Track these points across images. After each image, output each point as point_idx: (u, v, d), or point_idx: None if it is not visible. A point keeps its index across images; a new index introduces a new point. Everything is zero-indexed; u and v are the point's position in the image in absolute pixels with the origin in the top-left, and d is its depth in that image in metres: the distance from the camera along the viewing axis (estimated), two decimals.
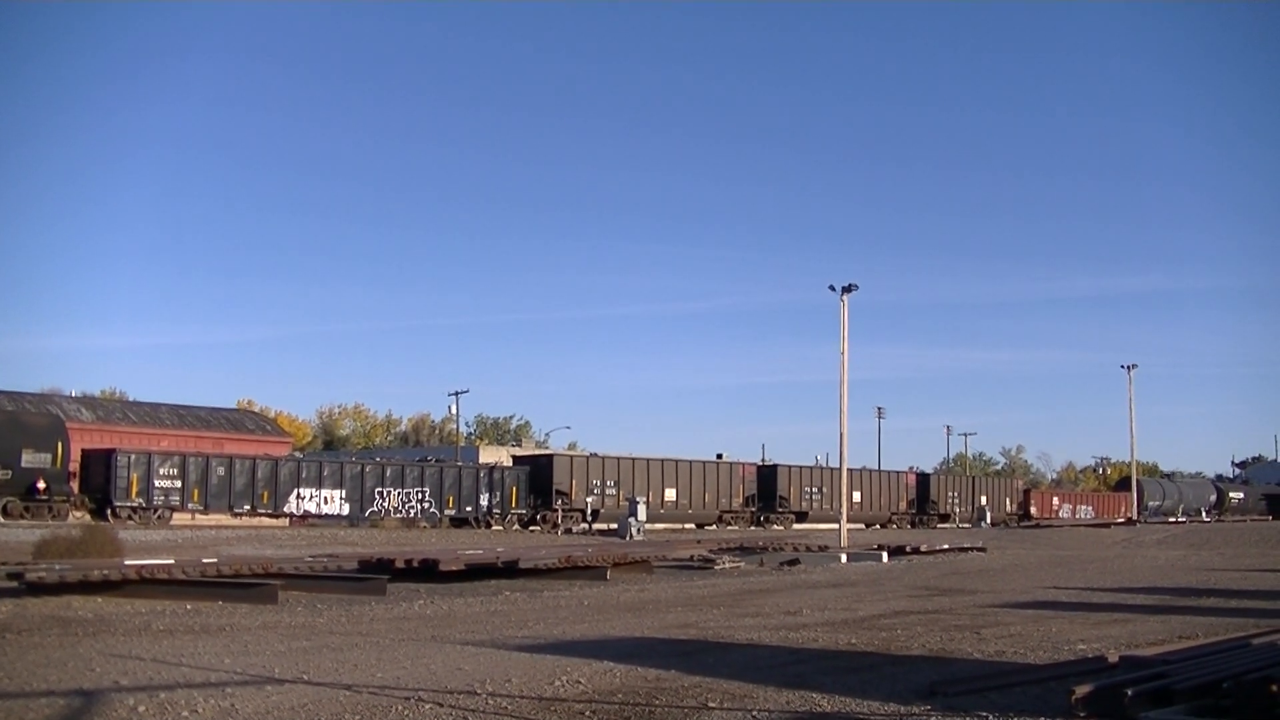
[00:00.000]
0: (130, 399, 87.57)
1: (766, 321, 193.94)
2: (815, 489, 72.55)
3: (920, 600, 24.87)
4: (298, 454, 73.25)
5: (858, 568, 37.19)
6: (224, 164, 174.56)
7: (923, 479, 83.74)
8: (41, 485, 44.07)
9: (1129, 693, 10.27)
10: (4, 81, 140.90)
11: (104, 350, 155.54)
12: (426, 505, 55.60)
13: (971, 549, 46.62)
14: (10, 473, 43.52)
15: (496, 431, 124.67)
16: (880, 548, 43.50)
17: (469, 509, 57.02)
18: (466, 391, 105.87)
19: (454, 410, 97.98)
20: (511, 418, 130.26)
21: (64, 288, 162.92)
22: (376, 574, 25.78)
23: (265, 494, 50.09)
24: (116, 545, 28.98)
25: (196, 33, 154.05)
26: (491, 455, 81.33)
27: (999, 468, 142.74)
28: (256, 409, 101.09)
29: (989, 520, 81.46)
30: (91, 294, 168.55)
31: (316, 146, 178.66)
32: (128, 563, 23.60)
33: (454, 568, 27.43)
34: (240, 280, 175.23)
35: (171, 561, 24.69)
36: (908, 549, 44.15)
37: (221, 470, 49.17)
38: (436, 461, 60.98)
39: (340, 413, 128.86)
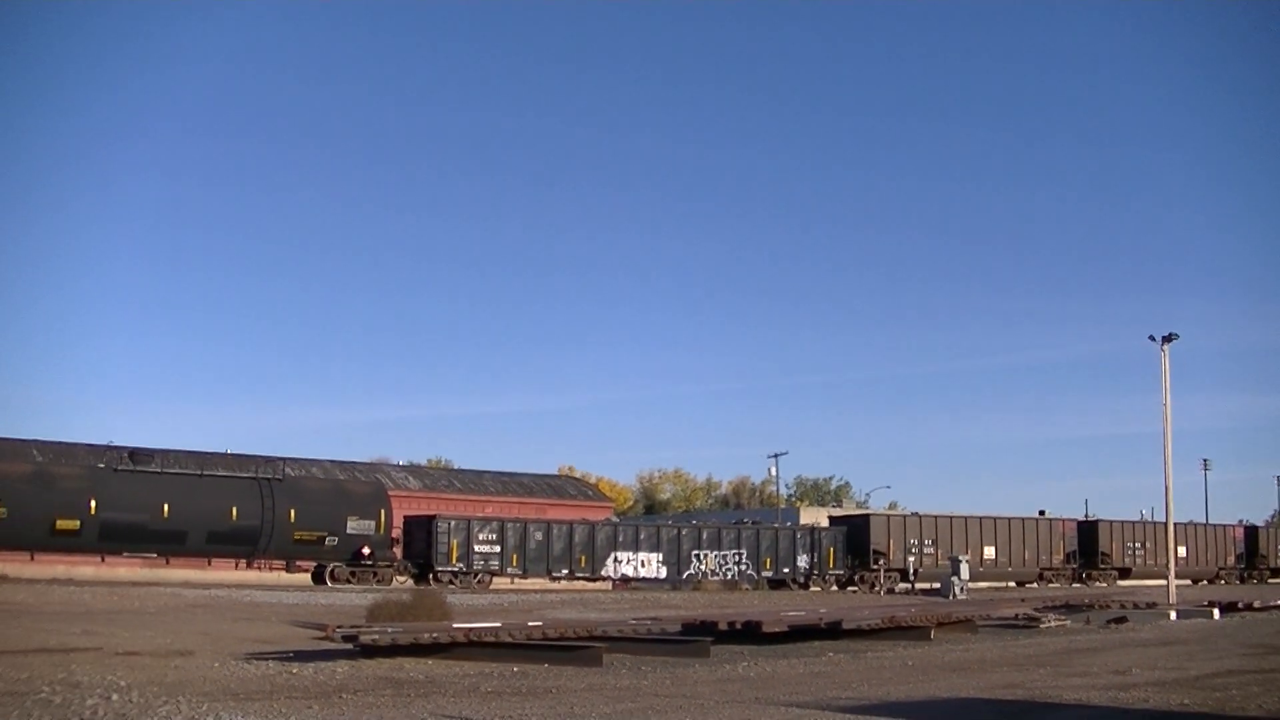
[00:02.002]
0: (455, 467, 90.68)
1: (1088, 372, 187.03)
2: (1138, 544, 69.78)
3: (1256, 659, 23.51)
4: (614, 518, 74.40)
5: (1187, 625, 35.77)
6: (564, 238, 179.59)
7: (1250, 532, 79.10)
8: (366, 551, 45.83)
9: None
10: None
11: (434, 420, 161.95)
12: (744, 567, 55.53)
13: None
14: (337, 539, 45.39)
15: (816, 493, 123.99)
16: (1211, 604, 41.53)
17: (786, 570, 56.73)
18: (786, 453, 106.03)
19: (774, 472, 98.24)
20: (831, 479, 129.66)
21: (398, 363, 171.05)
22: (699, 636, 25.58)
23: (582, 558, 50.84)
24: (445, 609, 29.62)
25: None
26: (811, 516, 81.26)
27: None
28: (577, 475, 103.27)
29: None
30: (422, 368, 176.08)
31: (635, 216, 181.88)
32: (456, 626, 24.07)
33: (776, 629, 27.02)
34: (563, 350, 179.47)
35: (498, 625, 25.07)
36: (1240, 605, 42.21)
37: (539, 535, 50.20)
38: (753, 524, 60.94)
39: (660, 477, 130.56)
